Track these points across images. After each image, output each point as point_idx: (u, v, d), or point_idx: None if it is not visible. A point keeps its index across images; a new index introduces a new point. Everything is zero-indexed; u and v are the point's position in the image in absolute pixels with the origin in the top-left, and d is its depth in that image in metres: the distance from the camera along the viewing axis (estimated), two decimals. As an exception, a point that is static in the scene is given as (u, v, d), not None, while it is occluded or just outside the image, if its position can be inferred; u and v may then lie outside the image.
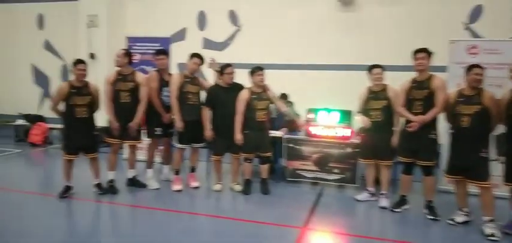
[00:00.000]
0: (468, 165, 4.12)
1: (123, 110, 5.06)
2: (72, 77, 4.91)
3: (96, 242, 3.94)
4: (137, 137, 5.27)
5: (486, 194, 4.09)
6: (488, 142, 4.14)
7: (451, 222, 4.35)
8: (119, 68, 5.13)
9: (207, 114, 5.25)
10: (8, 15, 10.28)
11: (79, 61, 4.84)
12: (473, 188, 4.25)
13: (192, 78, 5.28)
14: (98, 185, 5.15)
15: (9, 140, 8.95)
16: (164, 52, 5.56)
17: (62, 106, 4.87)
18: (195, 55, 5.31)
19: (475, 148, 4.07)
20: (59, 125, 5.05)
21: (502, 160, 4.15)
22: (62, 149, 4.99)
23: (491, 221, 4.05)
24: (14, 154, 7.81)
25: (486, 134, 4.14)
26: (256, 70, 5.21)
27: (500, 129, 4.22)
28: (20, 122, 9.19)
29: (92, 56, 8.60)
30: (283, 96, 6.81)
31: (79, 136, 4.86)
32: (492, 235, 3.95)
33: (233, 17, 8.70)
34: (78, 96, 4.78)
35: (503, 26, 7.11)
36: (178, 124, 5.20)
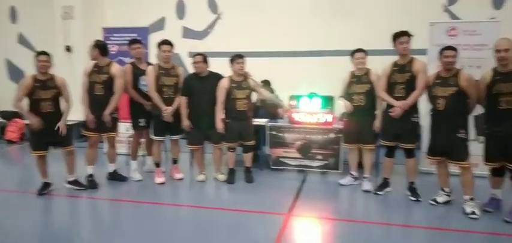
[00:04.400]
0: (447, 146, 4.17)
1: (97, 102, 4.93)
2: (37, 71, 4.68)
3: (78, 238, 3.84)
4: (113, 129, 5.13)
5: (466, 173, 4.15)
6: (466, 123, 4.19)
7: (433, 202, 4.42)
8: (94, 61, 4.99)
9: (183, 104, 5.15)
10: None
11: (41, 53, 4.65)
12: (454, 168, 4.30)
13: (166, 69, 5.14)
14: (74, 182, 4.99)
15: (-15, 138, 8.70)
16: (138, 41, 5.44)
17: (26, 102, 4.66)
18: (165, 42, 5.15)
19: (452, 129, 4.11)
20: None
21: (482, 140, 4.20)
22: (30, 146, 4.83)
23: (471, 199, 4.12)
24: (-10, 152, 7.59)
25: (463, 115, 4.18)
26: (235, 58, 5.13)
27: (479, 110, 4.27)
28: (-4, 119, 8.93)
29: (68, 49, 8.37)
30: (266, 83, 6.77)
31: (46, 131, 4.66)
32: (473, 213, 4.03)
33: (213, 5, 8.57)
34: (42, 89, 4.61)
35: (482, 7, 7.20)
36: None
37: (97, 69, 4.96)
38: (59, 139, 4.77)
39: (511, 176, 3.95)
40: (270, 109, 6.26)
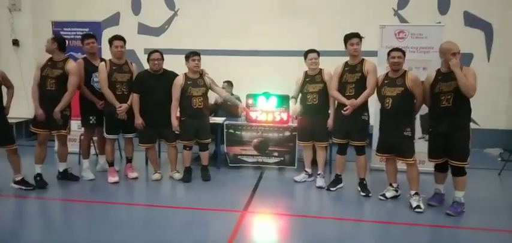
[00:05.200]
0: (395, 143, 4.38)
1: (48, 98, 4.73)
2: None
3: (26, 240, 3.69)
4: (64, 127, 4.93)
5: (412, 169, 4.37)
6: (412, 122, 4.41)
7: (382, 197, 4.62)
8: (49, 55, 4.79)
9: (136, 101, 5.05)
10: None
11: None
12: (401, 164, 4.52)
13: (119, 66, 5.03)
14: (21, 181, 4.78)
15: None
16: (92, 36, 5.28)
17: None
18: (117, 37, 5.04)
19: (399, 127, 4.32)
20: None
21: (427, 138, 4.44)
22: None
23: (416, 194, 4.35)
24: None
25: (410, 114, 4.40)
26: (191, 55, 5.10)
27: (425, 109, 4.52)
28: None
29: (16, 43, 7.95)
30: (229, 84, 6.78)
31: None
32: (418, 207, 4.25)
33: (169, 1, 8.44)
34: None
35: (429, 12, 7.60)
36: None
37: (51, 63, 4.76)
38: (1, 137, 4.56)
39: (452, 172, 4.19)
40: (230, 108, 6.28)
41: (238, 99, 6.52)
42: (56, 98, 4.75)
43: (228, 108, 6.33)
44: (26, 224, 4.09)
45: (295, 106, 5.12)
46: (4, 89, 4.71)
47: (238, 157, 5.86)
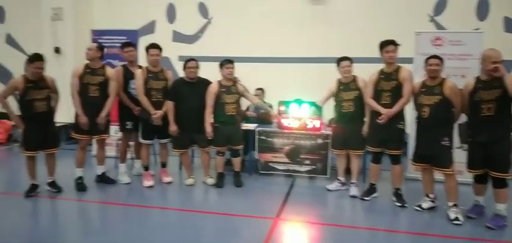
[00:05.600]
0: (432, 153, 4.26)
1: (91, 104, 4.92)
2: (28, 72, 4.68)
3: (66, 241, 3.84)
4: (105, 131, 5.14)
5: (450, 180, 4.25)
6: (450, 131, 4.29)
7: (417, 208, 4.51)
8: (88, 61, 4.97)
9: (171, 108, 5.15)
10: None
11: (37, 58, 4.59)
12: (438, 175, 4.40)
13: (155, 73, 5.16)
14: (52, 184, 4.97)
15: (-30, 139, 8.56)
16: (131, 44, 5.45)
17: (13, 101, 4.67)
18: (153, 46, 5.16)
19: (437, 136, 4.20)
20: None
21: (465, 148, 4.31)
22: (22, 146, 4.81)
23: (455, 205, 4.21)
24: (-25, 154, 7.49)
25: (448, 123, 4.28)
26: (225, 62, 5.17)
27: (463, 118, 4.38)
28: (-18, 120, 8.79)
29: (57, 50, 8.32)
30: (260, 91, 6.81)
31: (39, 131, 4.68)
32: (456, 219, 4.12)
33: (203, 9, 8.60)
34: (35, 90, 4.60)
35: (467, 18, 7.38)
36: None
37: (90, 71, 4.94)
38: (51, 140, 4.78)
39: (493, 183, 4.04)
40: (262, 115, 6.32)
41: (270, 107, 6.56)
42: (99, 104, 4.95)
43: (260, 115, 6.36)
44: (65, 226, 4.29)
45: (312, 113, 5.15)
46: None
47: (270, 164, 5.86)
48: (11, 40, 9.60)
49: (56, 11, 8.32)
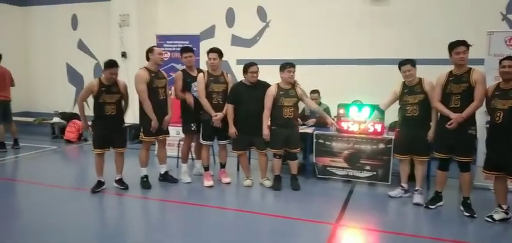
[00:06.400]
0: (506, 161, 3.98)
1: (160, 107, 5.16)
2: (102, 76, 5.00)
3: (129, 235, 4.04)
4: (167, 131, 5.41)
5: (526, 190, 3.94)
6: (527, 138, 3.97)
7: (489, 219, 4.22)
8: (152, 67, 5.17)
9: (230, 111, 5.25)
10: (44, 16, 10.66)
11: (112, 65, 4.87)
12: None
13: (216, 76, 5.29)
14: (119, 181, 5.26)
15: (46, 138, 9.29)
16: (190, 49, 5.60)
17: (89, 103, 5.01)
18: (212, 50, 5.28)
19: (511, 143, 3.91)
20: (90, 122, 5.22)
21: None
22: (93, 144, 5.13)
23: (531, 218, 3.90)
24: (50, 151, 8.10)
25: (524, 129, 3.97)
26: (286, 66, 5.17)
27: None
28: (56, 120, 9.51)
29: (124, 55, 8.80)
30: (315, 92, 6.74)
31: (108, 132, 4.99)
32: (534, 233, 3.81)
33: (261, 12, 8.68)
34: (107, 94, 4.90)
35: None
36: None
37: (155, 75, 5.16)
38: (119, 140, 5.09)
39: None
40: (319, 118, 6.25)
41: (327, 109, 6.46)
42: (166, 106, 5.24)
43: (318, 119, 6.29)
44: (128, 222, 4.53)
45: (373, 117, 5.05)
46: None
47: (327, 168, 5.76)
48: (82, 46, 10.31)
49: (123, 17, 8.80)
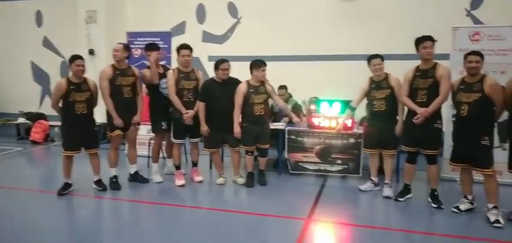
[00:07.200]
0: (471, 153, 4.10)
1: (125, 105, 5.03)
2: (70, 74, 4.84)
3: (99, 238, 3.92)
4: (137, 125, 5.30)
5: (489, 181, 4.07)
6: (490, 130, 4.11)
7: (455, 210, 4.34)
8: (115, 63, 5.06)
9: (202, 108, 5.19)
10: (7, 12, 10.23)
11: (77, 57, 4.76)
12: (477, 175, 4.23)
13: (186, 73, 5.20)
14: (98, 182, 5.12)
15: (11, 139, 8.95)
16: (154, 48, 5.41)
17: (60, 103, 4.83)
18: (184, 46, 5.20)
19: (476, 135, 4.04)
20: (60, 123, 5.04)
21: (505, 147, 4.12)
22: (62, 145, 4.96)
23: (495, 207, 4.03)
24: (15, 153, 7.80)
25: (488, 122, 4.10)
26: (259, 64, 5.15)
27: (503, 116, 4.19)
28: (21, 120, 9.18)
29: (91, 52, 8.56)
30: (283, 88, 6.77)
31: (79, 132, 4.83)
32: (496, 222, 3.94)
33: (232, 9, 8.64)
34: (77, 92, 4.74)
35: (506, 12, 7.05)
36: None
37: (120, 72, 5.03)
38: (90, 141, 4.93)
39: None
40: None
41: (297, 105, 6.49)
42: (133, 104, 5.11)
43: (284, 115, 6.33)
44: (98, 224, 4.41)
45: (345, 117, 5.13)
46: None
47: (300, 164, 5.81)
48: (47, 43, 9.97)
49: (90, 13, 8.56)
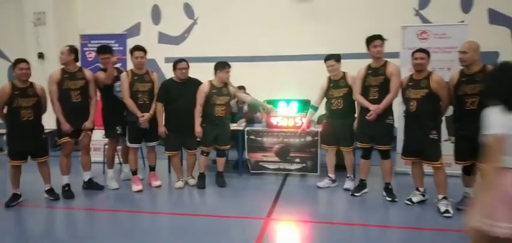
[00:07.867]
0: (420, 146, 4.27)
1: (75, 110, 4.83)
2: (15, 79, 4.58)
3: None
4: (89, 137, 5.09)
5: (439, 173, 4.26)
6: (438, 124, 4.31)
7: (408, 202, 4.51)
8: (63, 66, 4.87)
9: (160, 109, 5.09)
10: None
11: (21, 61, 4.51)
12: (428, 168, 4.41)
13: (140, 75, 5.08)
14: (49, 191, 4.88)
15: (-47, 149, 8.37)
16: (107, 51, 5.25)
17: (5, 110, 4.57)
18: (137, 48, 5.08)
19: (424, 130, 4.22)
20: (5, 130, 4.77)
21: (453, 140, 4.33)
22: (8, 155, 4.69)
23: (444, 198, 4.23)
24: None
25: (435, 117, 4.30)
26: (224, 65, 5.11)
27: (451, 111, 4.40)
28: (-35, 129, 8.61)
29: (41, 56, 8.17)
30: (241, 88, 6.76)
31: (25, 140, 4.57)
32: (446, 211, 4.14)
33: (188, 9, 8.53)
34: (22, 97, 4.51)
35: (452, 11, 7.42)
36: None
37: (69, 76, 4.83)
38: (38, 149, 4.68)
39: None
40: (247, 114, 6.29)
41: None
42: (83, 108, 4.89)
43: (245, 114, 6.34)
44: (54, 234, 4.20)
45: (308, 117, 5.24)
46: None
47: (260, 163, 5.82)
48: (-7, 47, 9.40)
49: (38, 15, 8.16)
